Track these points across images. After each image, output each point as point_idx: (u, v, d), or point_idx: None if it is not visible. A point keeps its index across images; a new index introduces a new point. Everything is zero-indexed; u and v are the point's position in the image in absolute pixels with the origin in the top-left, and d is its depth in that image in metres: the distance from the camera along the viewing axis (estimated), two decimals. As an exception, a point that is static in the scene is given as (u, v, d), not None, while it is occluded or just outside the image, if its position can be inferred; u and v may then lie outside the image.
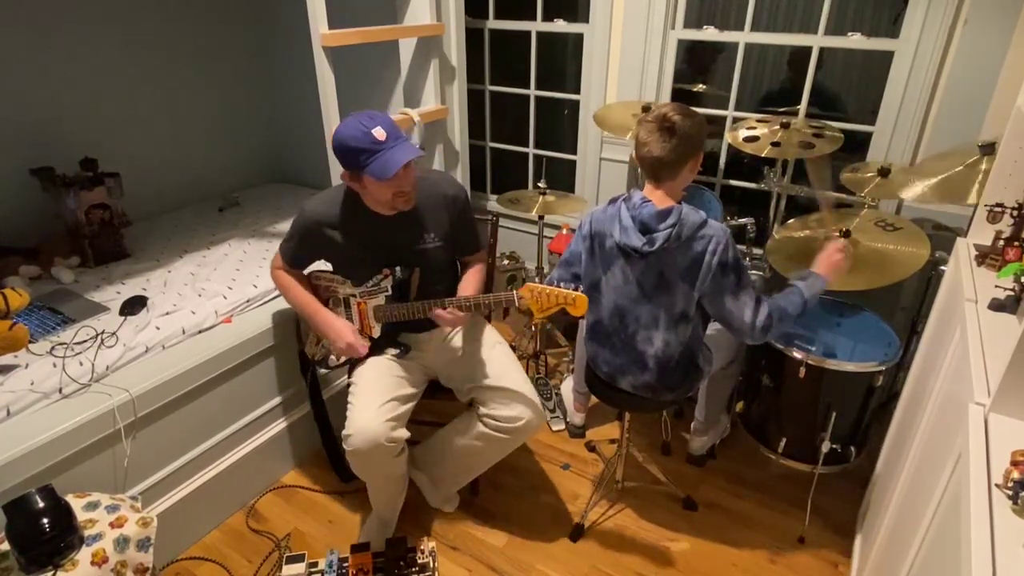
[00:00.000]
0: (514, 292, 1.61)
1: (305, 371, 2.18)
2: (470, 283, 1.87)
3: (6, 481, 1.48)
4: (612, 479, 2.21)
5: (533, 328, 2.80)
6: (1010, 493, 0.89)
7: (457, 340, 1.94)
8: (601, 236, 1.72)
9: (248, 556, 1.98)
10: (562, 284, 1.57)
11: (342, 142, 1.56)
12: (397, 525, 2.04)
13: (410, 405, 1.84)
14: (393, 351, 1.86)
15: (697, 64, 2.92)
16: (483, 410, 1.83)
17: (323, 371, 2.18)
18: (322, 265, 1.93)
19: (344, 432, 1.69)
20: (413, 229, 1.77)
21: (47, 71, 2.41)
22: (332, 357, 1.90)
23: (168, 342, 1.91)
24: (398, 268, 1.78)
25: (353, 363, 1.87)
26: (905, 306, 2.46)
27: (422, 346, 1.92)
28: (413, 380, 1.87)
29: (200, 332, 1.99)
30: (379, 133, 1.54)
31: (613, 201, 1.72)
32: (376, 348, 1.85)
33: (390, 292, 1.80)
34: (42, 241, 2.38)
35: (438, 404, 2.05)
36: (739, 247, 2.49)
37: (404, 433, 1.75)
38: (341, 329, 1.80)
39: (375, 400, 1.72)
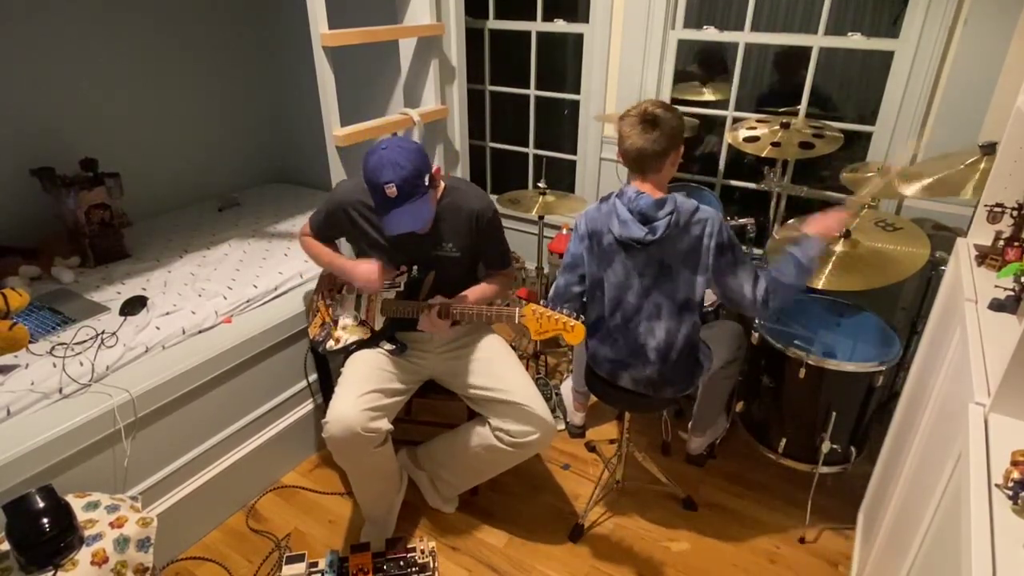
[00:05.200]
0: (516, 310, 1.62)
1: (315, 355, 2.21)
2: (476, 290, 1.87)
3: (6, 481, 1.48)
4: (612, 479, 2.21)
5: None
6: (1010, 493, 0.89)
7: (465, 348, 1.93)
8: (598, 234, 1.73)
9: (248, 556, 1.98)
10: (564, 309, 1.58)
11: (363, 169, 1.59)
12: (397, 525, 2.04)
13: (397, 399, 1.83)
14: (388, 346, 1.87)
15: (707, 66, 2.92)
16: (495, 422, 1.83)
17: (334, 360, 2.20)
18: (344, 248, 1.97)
19: (323, 420, 1.70)
20: (432, 235, 1.78)
21: (47, 71, 2.41)
22: (330, 342, 1.91)
23: (168, 342, 1.91)
24: (415, 267, 1.80)
25: (347, 354, 1.88)
26: (905, 306, 2.46)
27: (423, 347, 1.92)
28: (403, 378, 1.87)
29: (200, 332, 1.99)
30: (391, 191, 1.54)
31: (605, 199, 1.73)
32: (372, 340, 1.86)
33: (402, 288, 1.82)
34: (42, 241, 2.38)
35: (438, 404, 2.06)
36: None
37: (385, 425, 1.74)
38: (358, 264, 1.81)
39: (357, 389, 1.72)
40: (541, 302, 1.64)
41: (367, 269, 1.79)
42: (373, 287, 1.80)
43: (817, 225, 1.71)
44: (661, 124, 1.60)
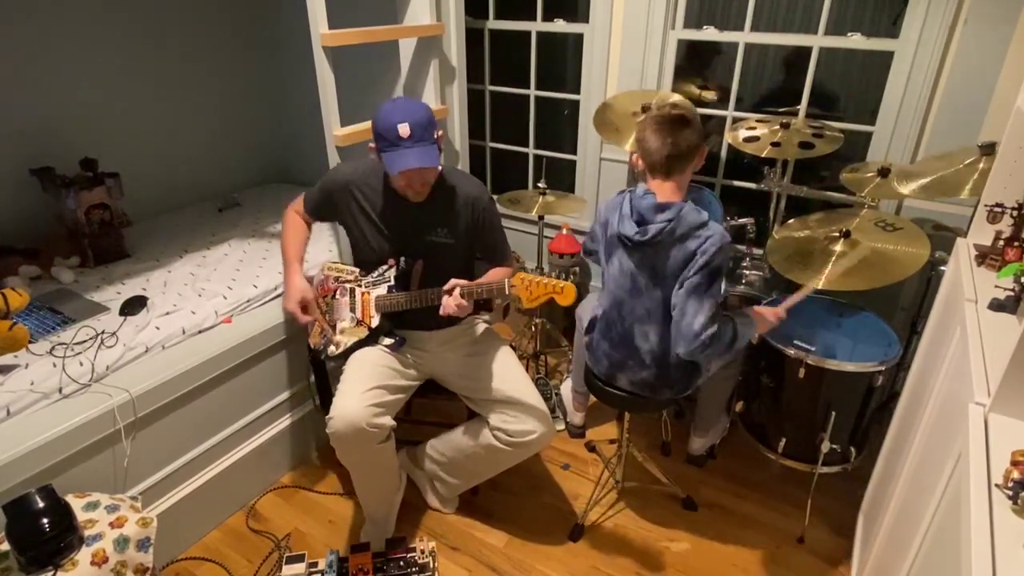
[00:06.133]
0: (505, 280, 1.61)
1: (313, 360, 2.19)
2: (490, 275, 1.87)
3: (6, 481, 1.48)
4: (612, 479, 2.21)
5: (533, 328, 2.80)
6: (1010, 493, 0.89)
7: (463, 347, 1.94)
8: (606, 224, 1.77)
9: (248, 556, 1.98)
10: (554, 272, 1.59)
11: (374, 122, 1.63)
12: (397, 525, 2.04)
13: (399, 396, 1.84)
14: (387, 341, 1.87)
15: (698, 63, 2.92)
16: (494, 422, 1.83)
17: (331, 364, 2.19)
18: (331, 253, 1.95)
19: (327, 416, 1.70)
20: (427, 219, 1.79)
21: (47, 71, 2.41)
22: (331, 347, 1.91)
23: (168, 342, 1.91)
24: (402, 258, 1.79)
25: (349, 353, 1.88)
26: (905, 306, 2.46)
27: (422, 346, 1.92)
28: (405, 374, 1.88)
29: (200, 332, 1.99)
30: (403, 130, 1.58)
31: (623, 191, 1.76)
32: (371, 337, 1.87)
33: (393, 283, 1.82)
34: (42, 241, 2.38)
35: (438, 404, 2.06)
36: (739, 247, 2.51)
37: (388, 421, 1.74)
38: (291, 292, 1.86)
39: (360, 386, 1.72)
40: (530, 268, 1.65)
41: (287, 306, 1.84)
42: (288, 308, 1.85)
43: (758, 311, 1.78)
44: (691, 121, 1.64)
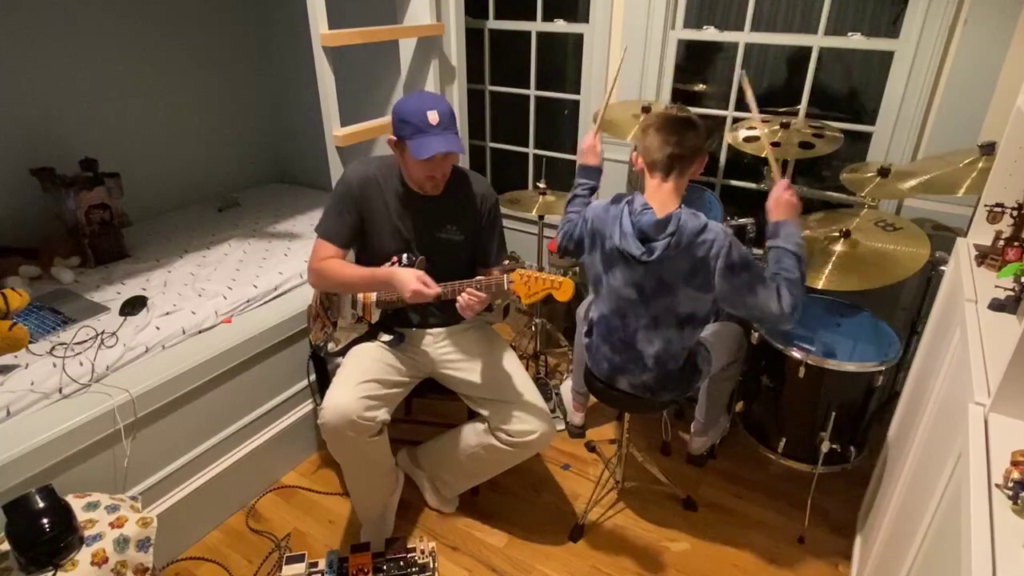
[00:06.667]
0: (504, 276, 1.61)
1: (313, 357, 2.21)
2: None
3: (6, 481, 1.48)
4: (612, 479, 2.21)
5: (533, 328, 2.80)
6: (1010, 493, 0.89)
7: (463, 346, 1.93)
8: (601, 236, 1.72)
9: (248, 556, 1.98)
10: (551, 269, 1.58)
11: (400, 110, 1.63)
12: (396, 525, 2.04)
13: (395, 391, 1.83)
14: (386, 337, 1.87)
15: (697, 63, 2.92)
16: (495, 422, 1.83)
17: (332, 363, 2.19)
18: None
19: (319, 407, 1.69)
20: (440, 215, 1.80)
21: (47, 71, 2.41)
22: (331, 344, 1.91)
23: (168, 342, 1.91)
24: (405, 255, 1.79)
25: (348, 348, 1.88)
26: (905, 306, 2.46)
27: (422, 344, 1.92)
28: (402, 371, 1.87)
29: (200, 332, 1.99)
30: (433, 117, 1.60)
31: (617, 200, 1.71)
32: (369, 334, 1.87)
33: None
34: (42, 241, 2.38)
35: (438, 404, 2.06)
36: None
37: (381, 415, 1.73)
38: (406, 279, 1.62)
39: (354, 379, 1.72)
40: (529, 265, 1.63)
41: (410, 288, 1.60)
42: (414, 288, 1.61)
43: (781, 210, 1.67)
44: (695, 125, 1.63)
